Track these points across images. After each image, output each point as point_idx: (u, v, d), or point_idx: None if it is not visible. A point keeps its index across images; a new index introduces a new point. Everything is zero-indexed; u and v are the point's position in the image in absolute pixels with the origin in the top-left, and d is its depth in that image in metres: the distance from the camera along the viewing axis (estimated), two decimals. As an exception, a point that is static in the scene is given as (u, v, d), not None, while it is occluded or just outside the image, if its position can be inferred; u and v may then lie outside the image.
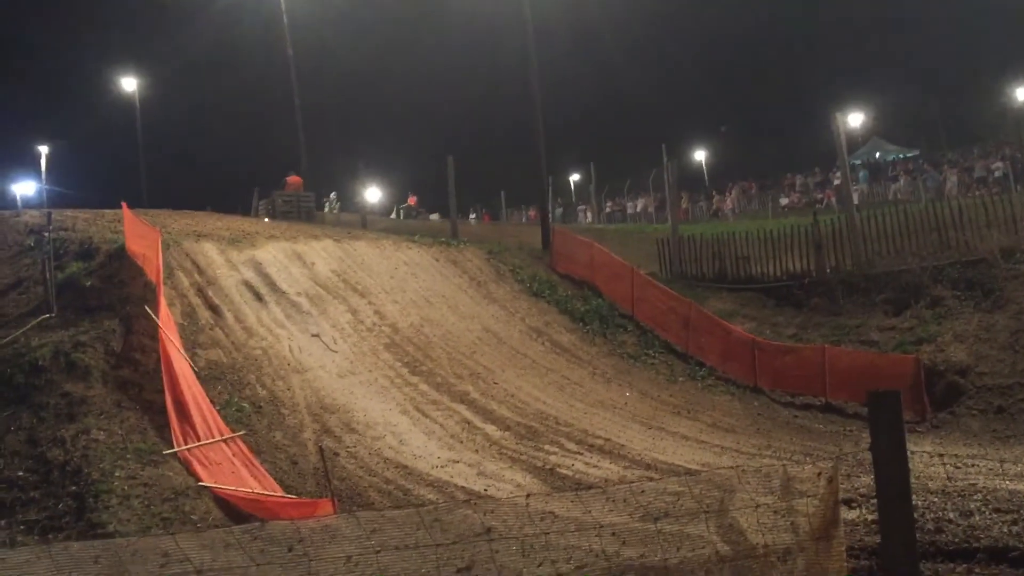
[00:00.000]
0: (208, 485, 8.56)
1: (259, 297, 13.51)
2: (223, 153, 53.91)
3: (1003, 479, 9.35)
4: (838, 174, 29.09)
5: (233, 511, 8.33)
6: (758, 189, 47.40)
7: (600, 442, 11.57)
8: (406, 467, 10.12)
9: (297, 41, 32.91)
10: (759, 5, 69.07)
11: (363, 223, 24.42)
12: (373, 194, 37.30)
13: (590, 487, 9.32)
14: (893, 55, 63.25)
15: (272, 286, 13.98)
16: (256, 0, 34.33)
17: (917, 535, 6.54)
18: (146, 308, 10.97)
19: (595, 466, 10.55)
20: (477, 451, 10.92)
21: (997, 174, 34.15)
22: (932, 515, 7.41)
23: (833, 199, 35.88)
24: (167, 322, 10.71)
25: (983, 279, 15.76)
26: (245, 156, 50.71)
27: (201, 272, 13.51)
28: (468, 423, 11.82)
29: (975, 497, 8.15)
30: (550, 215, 25.47)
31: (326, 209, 29.24)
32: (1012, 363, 13.91)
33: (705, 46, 71.34)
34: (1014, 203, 17.15)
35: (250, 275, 14.03)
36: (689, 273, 20.84)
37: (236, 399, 10.67)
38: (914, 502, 7.69)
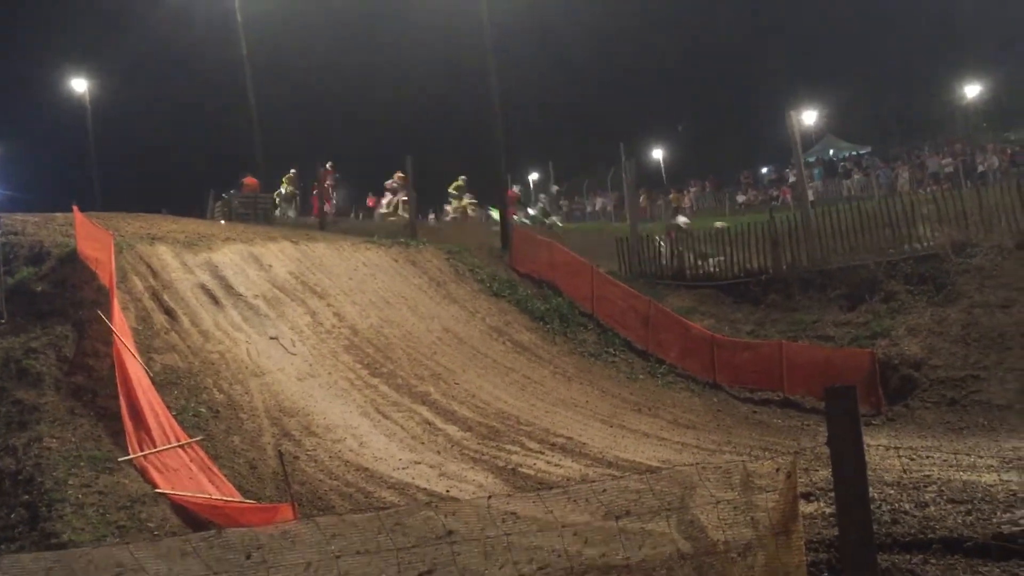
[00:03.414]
0: (165, 492, 8.43)
1: (215, 300, 13.34)
2: (178, 155, 53.15)
3: (957, 470, 9.52)
4: (793, 171, 29.44)
5: (191, 518, 8.22)
6: (715, 187, 47.87)
7: (562, 441, 11.59)
8: (367, 469, 10.06)
9: (252, 40, 32.49)
10: (714, 6, 69.77)
11: (321, 224, 24.18)
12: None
13: (552, 486, 9.33)
14: (845, 53, 64.16)
15: (229, 289, 13.82)
16: (210, 0, 33.94)
17: (874, 527, 6.63)
18: (99, 313, 10.79)
19: (557, 465, 10.56)
20: (439, 452, 10.88)
21: (948, 170, 34.83)
22: (888, 507, 7.51)
23: (789, 196, 36.35)
24: (121, 327, 10.55)
25: (935, 274, 16.04)
26: (201, 158, 49.98)
27: (156, 275, 13.31)
28: (429, 424, 11.77)
29: (930, 488, 8.28)
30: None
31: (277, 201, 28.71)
32: (964, 356, 14.18)
33: (661, 46, 71.74)
34: (964, 199, 17.48)
35: (206, 278, 13.85)
36: (648, 271, 20.96)
37: (193, 404, 10.53)
38: (871, 494, 7.81)
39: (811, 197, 31.02)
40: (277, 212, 27.56)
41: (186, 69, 54.75)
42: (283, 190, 29.43)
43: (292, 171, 30.17)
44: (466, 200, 28.87)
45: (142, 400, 9.38)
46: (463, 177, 29.55)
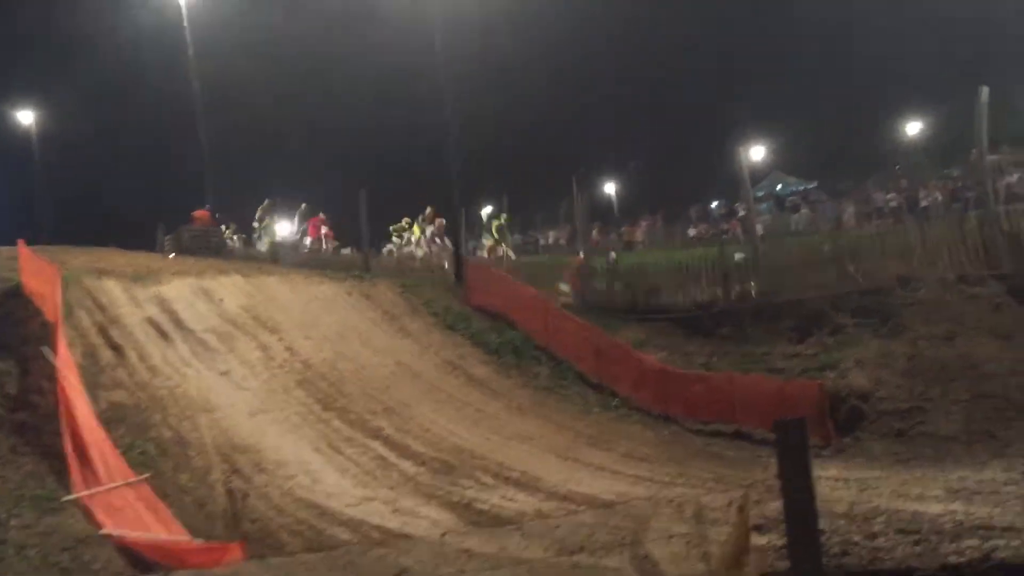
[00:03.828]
0: (110, 532, 8.23)
1: (164, 335, 13.14)
2: (127, 188, 52.31)
3: (905, 500, 9.65)
4: (743, 206, 29.92)
5: (137, 559, 8.02)
6: (666, 221, 48.40)
7: (516, 475, 11.54)
8: (319, 506, 9.91)
9: (203, 72, 32.35)
10: (666, 46, 70.99)
11: (273, 258, 23.99)
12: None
13: (507, 522, 9.29)
14: (792, 90, 65.57)
15: (178, 323, 13.62)
16: (160, 32, 33.73)
17: (824, 559, 6.68)
18: (42, 348, 10.55)
19: (511, 500, 10.50)
20: (392, 488, 10.77)
21: (892, 205, 35.59)
22: (838, 538, 7.58)
23: (739, 229, 36.87)
24: (66, 362, 10.32)
25: (881, 307, 16.33)
26: (150, 191, 49.31)
27: (103, 310, 13.09)
28: (383, 459, 11.67)
29: (879, 519, 8.37)
30: (464, 248, 25.47)
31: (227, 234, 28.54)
32: (910, 388, 14.41)
33: (615, 82, 72.83)
34: (908, 233, 17.87)
35: (155, 312, 13.65)
36: (601, 304, 21.06)
37: (140, 441, 10.33)
38: (821, 526, 7.87)
39: (760, 231, 31.63)
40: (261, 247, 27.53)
41: (136, 101, 54.22)
42: (258, 222, 29.56)
43: (267, 201, 30.22)
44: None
45: (87, 438, 9.17)
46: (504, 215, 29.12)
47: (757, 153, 54.29)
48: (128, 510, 8.75)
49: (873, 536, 7.64)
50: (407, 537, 8.50)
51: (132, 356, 12.19)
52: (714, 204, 51.44)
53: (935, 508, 8.96)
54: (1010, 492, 9.80)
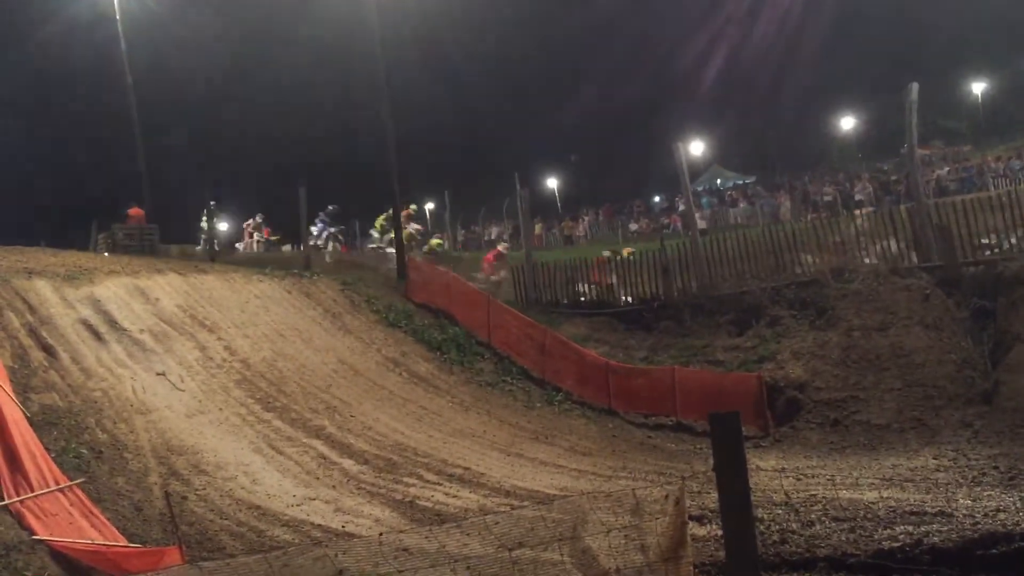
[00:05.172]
0: (43, 538, 8.03)
1: (98, 336, 12.83)
2: (59, 185, 50.94)
3: (841, 488, 9.88)
4: (683, 200, 30.25)
5: (73, 565, 7.84)
6: (608, 215, 48.78)
7: (459, 471, 11.55)
8: (259, 507, 9.80)
9: (138, 67, 31.63)
10: (608, 41, 71.52)
11: (211, 256, 23.56)
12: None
13: (449, 518, 9.29)
14: (731, 86, 66.48)
15: (113, 324, 13.31)
16: (92, 25, 32.90)
17: (763, 547, 6.83)
18: (-30, 352, 10.25)
19: (455, 496, 10.51)
20: (334, 487, 10.69)
21: (827, 199, 36.36)
22: (777, 527, 7.75)
23: (679, 224, 37.32)
24: (-5, 366, 10.03)
25: (816, 298, 16.69)
26: (83, 188, 48.09)
27: (33, 311, 12.71)
28: (324, 458, 11.57)
29: (815, 508, 8.58)
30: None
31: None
32: (844, 378, 14.77)
33: (557, 78, 73.20)
34: (842, 226, 18.29)
35: (88, 313, 13.31)
36: (544, 299, 21.16)
37: (74, 445, 10.06)
38: (760, 515, 8.06)
39: (704, 225, 32.09)
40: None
41: (68, 96, 52.83)
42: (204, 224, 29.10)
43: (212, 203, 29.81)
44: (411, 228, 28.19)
45: (18, 442, 8.91)
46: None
47: (696, 148, 55.07)
48: (62, 515, 8.54)
49: (810, 524, 7.83)
50: (349, 536, 8.45)
51: (65, 358, 11.87)
52: (656, 199, 52.05)
53: (870, 495, 9.20)
54: (940, 478, 10.11)
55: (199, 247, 27.12)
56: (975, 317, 15.11)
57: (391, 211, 28.12)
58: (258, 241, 30.17)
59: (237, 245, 29.28)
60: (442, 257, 28.09)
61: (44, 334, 12.20)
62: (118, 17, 30.20)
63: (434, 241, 28.94)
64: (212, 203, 29.23)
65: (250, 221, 30.51)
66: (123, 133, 32.40)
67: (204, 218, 29.05)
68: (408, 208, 27.82)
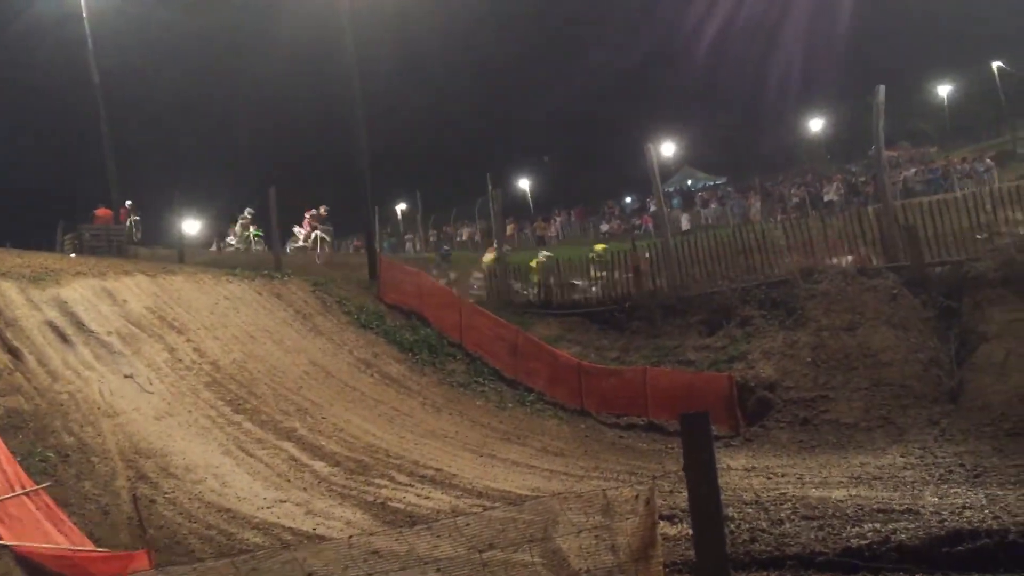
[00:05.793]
0: (8, 544, 7.91)
1: (65, 338, 12.66)
2: (24, 185, 50.24)
3: (810, 487, 9.99)
4: (654, 201, 30.38)
5: (39, 570, 7.72)
6: (581, 216, 48.90)
7: (431, 472, 11.52)
8: (229, 510, 9.71)
9: (106, 67, 31.27)
10: (581, 42, 71.72)
11: (180, 257, 23.34)
12: (191, 226, 35.83)
13: (421, 520, 9.26)
14: (702, 88, 66.97)
15: (80, 326, 13.14)
16: (59, 24, 32.46)
17: (733, 546, 6.88)
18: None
19: (426, 497, 10.49)
20: (305, 489, 10.63)
21: (796, 200, 36.66)
22: (747, 526, 7.80)
23: (650, 225, 37.47)
24: (-42, 369, 9.88)
25: (786, 299, 16.83)
26: (49, 188, 47.49)
27: (-2, 313, 12.54)
28: (295, 460, 11.50)
29: (785, 506, 8.66)
30: (377, 245, 25.30)
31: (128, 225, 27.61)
32: (813, 377, 14.92)
33: (529, 79, 73.26)
34: (811, 227, 18.47)
35: (54, 315, 13.13)
36: (516, 300, 21.17)
37: (40, 448, 9.93)
38: (730, 514, 8.12)
39: (687, 226, 32.24)
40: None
41: (33, 95, 52.11)
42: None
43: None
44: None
45: (-18, 446, 8.79)
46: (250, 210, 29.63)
47: (668, 149, 55.35)
48: (28, 520, 8.42)
49: (780, 522, 7.90)
50: (319, 539, 8.40)
51: (31, 360, 11.71)
52: (628, 199, 52.23)
53: (838, 493, 9.30)
54: (908, 476, 10.24)
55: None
56: (941, 317, 15.30)
57: (247, 213, 28.33)
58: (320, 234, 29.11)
59: (300, 234, 28.62)
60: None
61: (9, 336, 12.03)
62: (84, 15, 29.86)
63: (487, 257, 24.70)
64: (250, 211, 29.02)
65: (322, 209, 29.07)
66: (90, 132, 32.02)
67: (238, 225, 28.82)
68: (320, 209, 27.59)
